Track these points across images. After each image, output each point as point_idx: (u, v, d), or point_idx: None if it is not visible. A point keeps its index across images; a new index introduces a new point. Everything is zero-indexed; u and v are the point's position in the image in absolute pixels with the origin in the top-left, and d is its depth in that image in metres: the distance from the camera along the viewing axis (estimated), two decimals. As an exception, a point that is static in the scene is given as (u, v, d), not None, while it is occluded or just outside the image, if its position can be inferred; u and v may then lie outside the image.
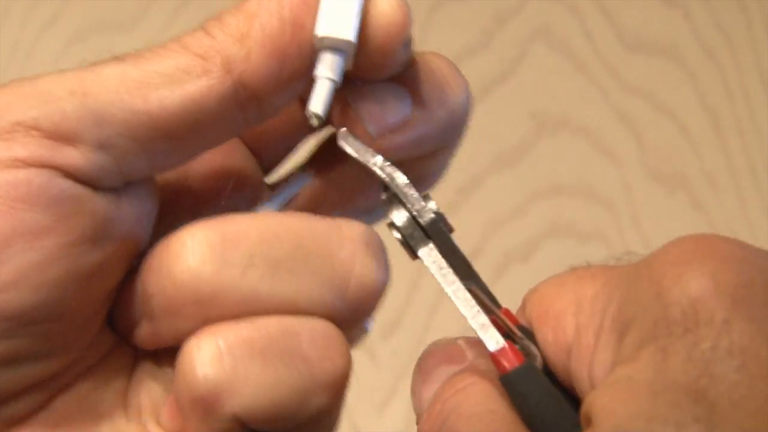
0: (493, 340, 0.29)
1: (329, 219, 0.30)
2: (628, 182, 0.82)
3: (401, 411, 0.76)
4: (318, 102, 0.29)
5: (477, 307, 0.30)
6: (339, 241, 0.30)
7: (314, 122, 0.29)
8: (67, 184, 0.28)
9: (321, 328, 0.30)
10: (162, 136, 0.28)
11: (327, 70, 0.29)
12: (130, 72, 0.29)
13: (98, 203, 0.28)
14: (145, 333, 0.30)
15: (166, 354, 0.31)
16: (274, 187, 0.34)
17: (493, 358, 0.29)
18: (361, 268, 0.30)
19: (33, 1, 0.81)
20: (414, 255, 0.31)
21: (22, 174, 0.27)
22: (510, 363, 0.29)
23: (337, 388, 0.30)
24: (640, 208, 0.83)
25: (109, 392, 0.31)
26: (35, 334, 0.28)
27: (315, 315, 0.30)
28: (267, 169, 0.35)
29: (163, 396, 0.31)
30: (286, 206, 0.33)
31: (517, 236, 0.81)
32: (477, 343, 0.30)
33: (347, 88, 0.30)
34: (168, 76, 0.29)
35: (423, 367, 0.30)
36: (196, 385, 0.28)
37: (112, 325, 0.31)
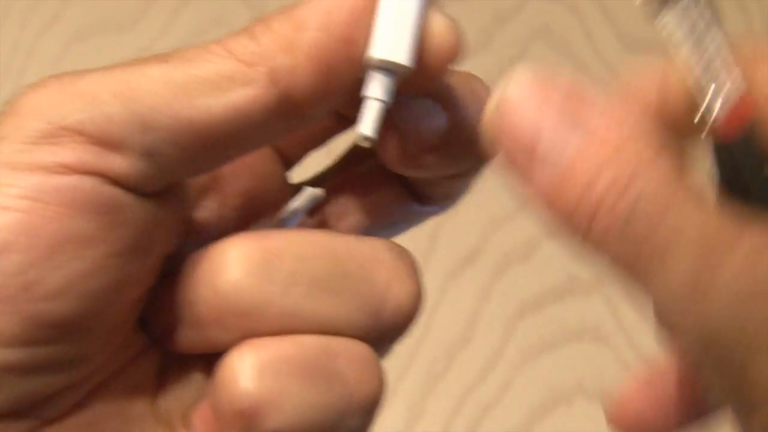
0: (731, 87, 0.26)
1: (367, 240, 0.31)
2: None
3: (401, 411, 0.76)
4: (369, 124, 0.29)
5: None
6: (376, 263, 0.30)
7: (365, 144, 0.29)
8: (114, 192, 0.27)
9: (358, 350, 0.30)
10: (203, 143, 0.28)
11: (378, 91, 0.29)
12: (174, 75, 0.28)
13: (142, 211, 0.28)
14: (182, 339, 0.30)
15: (197, 358, 0.31)
16: (298, 187, 0.34)
17: (731, 111, 0.26)
18: (397, 292, 0.30)
19: (33, 1, 0.81)
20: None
21: (70, 180, 0.27)
22: (741, 121, 0.26)
23: (371, 410, 0.30)
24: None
25: (138, 395, 0.31)
26: (73, 341, 0.28)
27: (351, 336, 0.30)
28: (286, 165, 0.35)
29: (192, 400, 0.31)
30: (306, 219, 0.33)
31: (517, 236, 0.81)
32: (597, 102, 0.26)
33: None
34: (212, 83, 0.28)
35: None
36: (238, 398, 0.29)
37: (143, 328, 0.31)
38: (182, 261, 0.30)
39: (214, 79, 0.28)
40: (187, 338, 0.30)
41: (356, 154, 0.35)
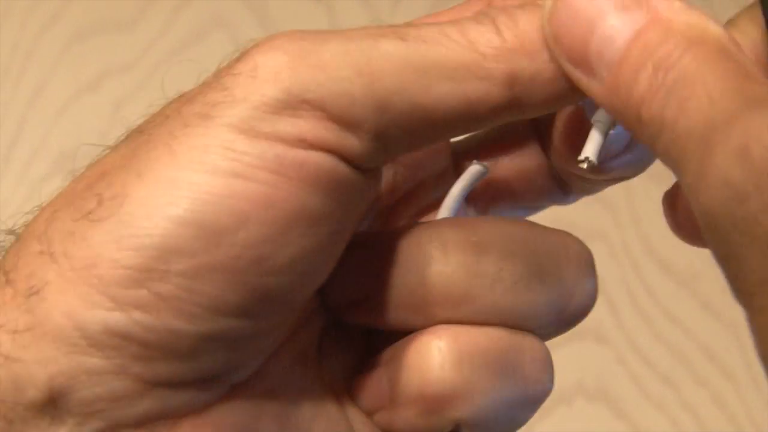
0: None
1: (557, 233, 0.31)
2: (628, 182, 0.82)
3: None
4: (593, 148, 0.28)
5: None
6: (567, 259, 0.30)
7: (584, 166, 0.29)
8: (346, 171, 0.27)
9: (538, 348, 0.30)
10: (428, 129, 0.27)
11: (606, 116, 0.28)
12: (412, 58, 0.27)
13: (363, 189, 0.28)
14: (371, 315, 0.30)
15: (356, 327, 0.31)
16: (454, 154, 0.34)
17: None
18: (581, 290, 0.30)
19: (33, 1, 0.81)
20: None
21: (310, 156, 0.26)
22: None
23: (537, 407, 0.30)
24: (640, 208, 0.83)
25: (305, 362, 0.30)
26: (279, 313, 0.28)
27: (537, 331, 0.30)
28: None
29: (352, 367, 0.31)
30: (466, 199, 0.33)
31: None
32: None
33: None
34: (450, 71, 0.27)
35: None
36: (432, 384, 0.29)
37: (319, 296, 0.31)
38: (372, 238, 0.30)
39: (453, 67, 0.27)
40: (378, 316, 0.30)
41: (510, 131, 0.34)
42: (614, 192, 0.84)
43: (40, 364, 0.25)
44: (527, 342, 0.30)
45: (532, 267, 0.30)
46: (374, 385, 0.30)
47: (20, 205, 0.82)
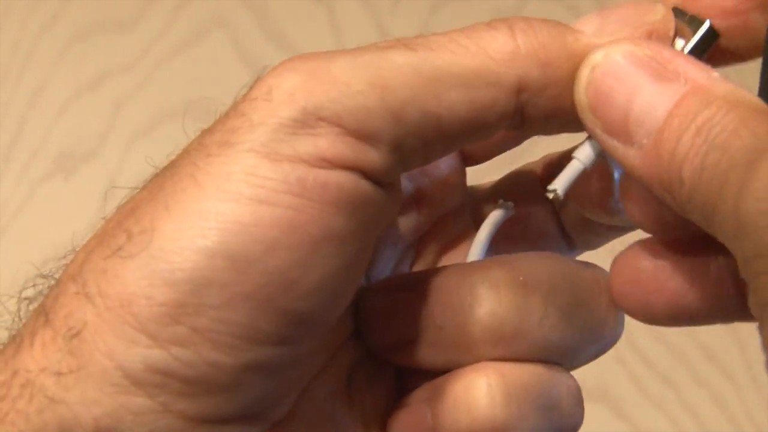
0: None
1: (589, 266, 0.31)
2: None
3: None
4: (563, 182, 0.29)
5: None
6: (599, 292, 0.31)
7: (549, 196, 0.29)
8: (368, 187, 0.27)
9: (572, 383, 0.31)
10: (441, 137, 0.27)
11: (585, 157, 0.29)
12: (422, 66, 0.27)
13: (384, 204, 0.28)
14: (416, 356, 0.30)
15: (384, 361, 0.31)
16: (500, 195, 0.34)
17: None
18: (613, 321, 0.31)
19: (33, 1, 0.81)
20: None
21: (332, 176, 0.26)
22: None
23: None
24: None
25: (337, 396, 0.31)
26: (312, 337, 0.28)
27: (572, 362, 0.31)
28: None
29: (383, 404, 0.31)
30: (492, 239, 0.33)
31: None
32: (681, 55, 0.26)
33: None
34: (461, 79, 0.27)
35: (616, 72, 0.26)
36: (482, 420, 0.29)
37: (358, 336, 0.31)
38: (416, 279, 0.30)
39: (462, 73, 0.27)
40: (424, 356, 0.30)
41: (523, 180, 0.35)
42: (614, 192, 0.84)
43: (85, 406, 0.26)
44: (563, 377, 0.31)
45: (572, 301, 0.30)
46: (417, 421, 0.30)
47: (20, 205, 0.82)
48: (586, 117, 0.27)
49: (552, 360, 0.30)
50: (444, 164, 0.33)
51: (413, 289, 0.30)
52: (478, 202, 0.35)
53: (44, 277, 0.29)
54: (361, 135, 0.26)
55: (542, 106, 0.27)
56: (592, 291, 0.31)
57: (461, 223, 0.34)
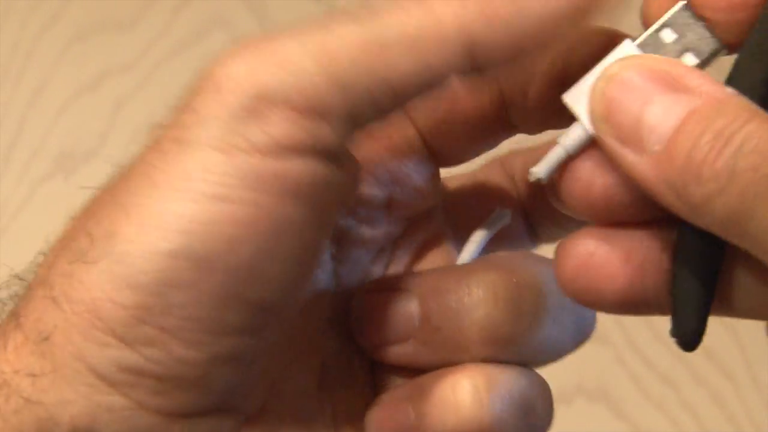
0: None
1: None
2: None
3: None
4: (546, 166, 0.29)
5: None
6: None
7: (532, 179, 0.29)
8: (326, 170, 0.27)
9: (544, 384, 0.31)
10: (393, 99, 0.27)
11: (570, 142, 0.28)
12: (368, 34, 0.27)
13: (339, 183, 0.28)
14: (409, 355, 0.31)
15: (359, 358, 0.32)
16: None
17: None
18: (594, 318, 0.32)
19: (33, 1, 0.81)
20: None
21: (289, 165, 0.26)
22: None
23: None
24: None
25: (311, 393, 0.31)
26: (275, 326, 0.28)
27: (555, 360, 0.31)
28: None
29: (358, 398, 0.32)
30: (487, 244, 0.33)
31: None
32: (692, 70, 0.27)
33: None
34: (409, 40, 0.26)
35: (629, 85, 0.26)
36: (467, 422, 0.30)
37: (339, 330, 0.32)
38: (411, 280, 0.31)
39: (410, 36, 0.27)
40: (416, 356, 0.31)
41: (488, 178, 0.35)
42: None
43: (61, 407, 0.26)
44: (537, 379, 0.31)
45: (559, 302, 0.31)
46: (399, 419, 0.31)
47: (20, 205, 0.82)
48: (599, 126, 0.27)
49: (535, 361, 0.31)
50: (418, 174, 0.33)
51: (409, 289, 0.31)
52: (451, 200, 0.35)
53: (19, 278, 0.29)
54: (313, 113, 0.26)
55: (497, 56, 0.27)
56: None
57: (434, 225, 0.34)
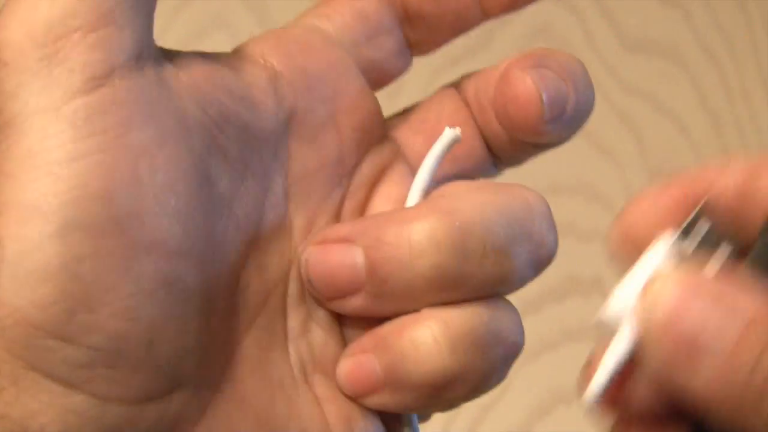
0: None
1: (517, 190, 0.32)
2: (628, 182, 0.82)
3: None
4: (597, 389, 0.28)
5: None
6: (531, 215, 0.31)
7: (587, 406, 0.28)
8: (147, 77, 0.28)
9: (509, 308, 0.31)
10: None
11: (614, 363, 0.27)
12: None
13: (190, 85, 0.29)
14: (358, 305, 0.31)
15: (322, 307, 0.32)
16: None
17: None
18: (548, 240, 0.32)
19: (33, 1, 0.81)
20: None
21: (110, 93, 0.26)
22: None
23: (511, 364, 0.32)
24: (640, 208, 0.83)
25: (276, 351, 0.31)
26: (203, 267, 0.28)
27: (512, 290, 0.31)
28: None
29: (327, 348, 0.31)
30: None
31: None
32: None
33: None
34: None
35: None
36: (432, 373, 0.30)
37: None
38: (355, 229, 0.31)
39: None
40: (369, 307, 0.31)
41: (445, 103, 0.35)
42: (614, 192, 0.84)
43: (31, 418, 0.26)
44: (501, 307, 0.31)
45: (508, 233, 0.30)
46: (367, 374, 0.31)
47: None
48: (651, 354, 0.26)
49: (498, 292, 0.31)
50: (350, 85, 0.33)
51: (354, 240, 0.30)
52: (407, 128, 0.35)
53: None
54: (101, 23, 0.26)
55: None
56: (525, 215, 0.31)
57: (389, 152, 0.34)
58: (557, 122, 0.32)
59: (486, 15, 0.34)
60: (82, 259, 0.26)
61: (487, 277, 0.30)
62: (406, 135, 0.34)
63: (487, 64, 0.34)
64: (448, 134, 0.33)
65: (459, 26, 0.34)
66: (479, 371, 0.30)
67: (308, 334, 0.31)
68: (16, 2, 0.27)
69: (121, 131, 0.26)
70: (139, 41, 0.27)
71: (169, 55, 0.29)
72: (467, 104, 0.34)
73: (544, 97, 0.31)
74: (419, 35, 0.34)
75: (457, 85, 0.35)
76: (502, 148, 0.34)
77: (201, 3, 0.82)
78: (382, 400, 0.31)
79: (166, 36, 0.84)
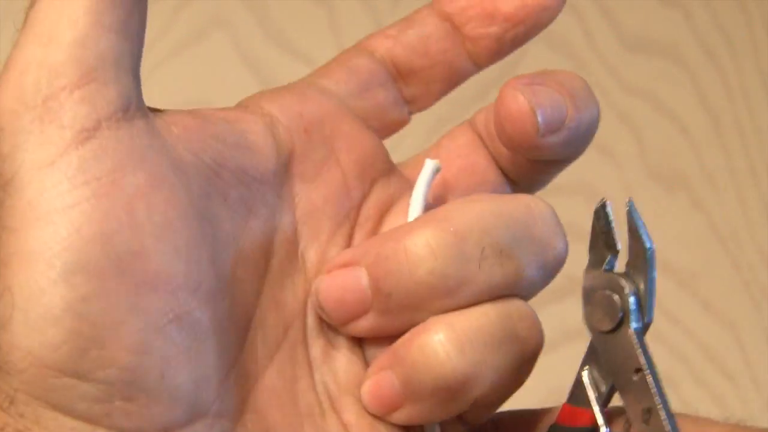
0: None
1: (515, 198, 0.32)
2: (628, 182, 0.82)
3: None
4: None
5: None
6: (531, 216, 0.32)
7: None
8: (135, 125, 0.28)
9: (523, 307, 0.32)
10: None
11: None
12: None
13: (179, 134, 0.29)
14: (369, 325, 0.31)
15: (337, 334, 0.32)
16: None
17: None
18: (555, 242, 0.32)
19: (33, 1, 0.81)
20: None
21: (98, 144, 0.27)
22: None
23: (534, 363, 0.32)
24: (640, 207, 0.83)
25: (300, 380, 0.31)
26: (210, 298, 0.29)
27: (524, 292, 0.32)
28: None
29: (349, 371, 0.32)
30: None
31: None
32: None
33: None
34: None
35: None
36: (444, 377, 0.30)
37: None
38: (360, 252, 0.32)
39: None
40: (378, 325, 0.31)
41: (457, 134, 0.36)
42: (614, 192, 0.84)
43: None
44: (513, 306, 0.31)
45: (507, 235, 0.31)
46: (385, 389, 0.31)
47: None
48: None
49: (504, 294, 0.31)
50: (347, 124, 0.33)
51: (357, 262, 0.31)
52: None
53: None
54: (84, 80, 0.27)
55: None
56: (525, 217, 0.32)
57: (394, 182, 0.34)
58: (556, 136, 0.32)
59: (477, 66, 0.35)
60: (87, 299, 0.26)
61: (491, 278, 0.31)
62: (418, 170, 0.35)
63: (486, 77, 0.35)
64: (429, 165, 0.34)
65: (451, 78, 0.35)
66: (493, 369, 0.31)
67: (331, 362, 0.32)
68: (8, 70, 0.28)
69: (115, 176, 0.27)
70: (125, 96, 0.28)
71: (159, 112, 0.30)
72: (479, 136, 0.35)
73: (538, 111, 0.32)
74: (414, 90, 0.35)
75: (470, 120, 0.36)
76: (518, 172, 0.35)
77: (201, 3, 0.82)
78: (406, 414, 0.31)
79: (166, 36, 0.84)
